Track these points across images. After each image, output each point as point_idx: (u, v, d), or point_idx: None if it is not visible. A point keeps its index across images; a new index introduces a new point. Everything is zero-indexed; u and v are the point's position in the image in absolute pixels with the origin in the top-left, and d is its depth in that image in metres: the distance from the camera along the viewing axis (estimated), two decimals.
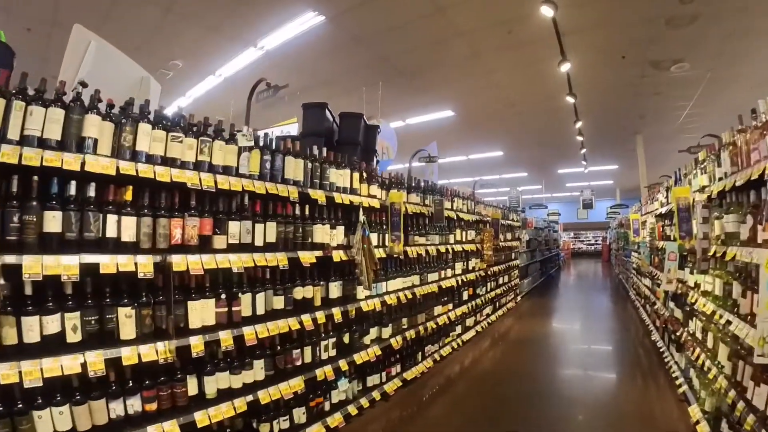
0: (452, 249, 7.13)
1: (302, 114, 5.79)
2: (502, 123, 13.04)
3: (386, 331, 5.32)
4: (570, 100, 9.80)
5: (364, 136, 6.16)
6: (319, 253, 4.33)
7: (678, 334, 5.30)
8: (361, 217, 4.59)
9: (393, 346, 5.34)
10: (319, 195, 4.33)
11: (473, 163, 17.54)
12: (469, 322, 7.97)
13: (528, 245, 14.18)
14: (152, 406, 2.90)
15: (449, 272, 7.05)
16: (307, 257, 4.15)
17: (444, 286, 6.71)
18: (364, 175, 5.12)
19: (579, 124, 10.77)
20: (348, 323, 4.79)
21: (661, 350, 6.47)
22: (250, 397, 3.47)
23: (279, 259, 3.92)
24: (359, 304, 4.83)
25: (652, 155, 15.60)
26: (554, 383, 5.76)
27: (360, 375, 5.01)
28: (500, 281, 9.93)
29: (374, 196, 5.19)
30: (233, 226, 3.62)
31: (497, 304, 9.72)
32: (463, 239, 7.73)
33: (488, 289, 9.02)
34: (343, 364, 4.57)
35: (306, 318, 4.14)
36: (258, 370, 3.64)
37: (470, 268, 7.99)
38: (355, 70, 9.72)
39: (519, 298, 11.85)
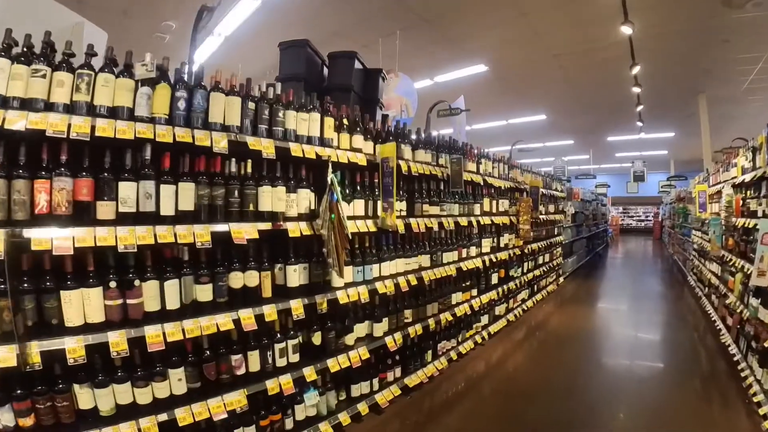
0: (478, 222, 5.64)
1: (279, 56, 4.50)
2: (544, 79, 11.11)
3: (379, 327, 4.00)
4: (625, 42, 7.86)
5: (362, 82, 4.77)
6: (266, 225, 3.03)
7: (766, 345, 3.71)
8: (329, 176, 3.21)
9: (389, 346, 3.99)
10: (264, 145, 3.02)
11: (513, 128, 15.59)
12: (499, 310, 6.49)
13: (573, 219, 12.33)
14: (27, 422, 2.25)
15: (473, 251, 5.58)
16: (244, 231, 2.85)
17: (466, 268, 5.26)
18: (345, 122, 3.71)
19: (636, 69, 8.74)
20: (320, 319, 3.50)
21: (734, 357, 4.81)
22: (163, 416, 2.55)
23: (197, 234, 2.64)
24: (335, 295, 3.50)
25: (715, 122, 13.17)
26: (600, 404, 4.22)
27: (342, 383, 3.75)
28: (539, 261, 8.32)
29: (358, 150, 3.78)
30: (126, 189, 2.51)
31: (535, 287, 8.14)
32: (493, 210, 6.20)
33: (524, 271, 7.46)
34: (310, 372, 3.33)
35: (246, 314, 2.88)
36: (175, 382, 2.66)
37: (502, 245, 6.46)
38: (369, 18, 8.20)
39: (561, 279, 10.17)
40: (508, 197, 6.69)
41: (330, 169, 3.26)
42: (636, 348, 5.95)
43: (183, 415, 2.58)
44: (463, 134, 7.65)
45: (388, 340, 4.01)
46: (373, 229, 3.85)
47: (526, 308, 7.51)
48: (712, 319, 6.60)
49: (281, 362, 3.22)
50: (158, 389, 2.58)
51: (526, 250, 7.35)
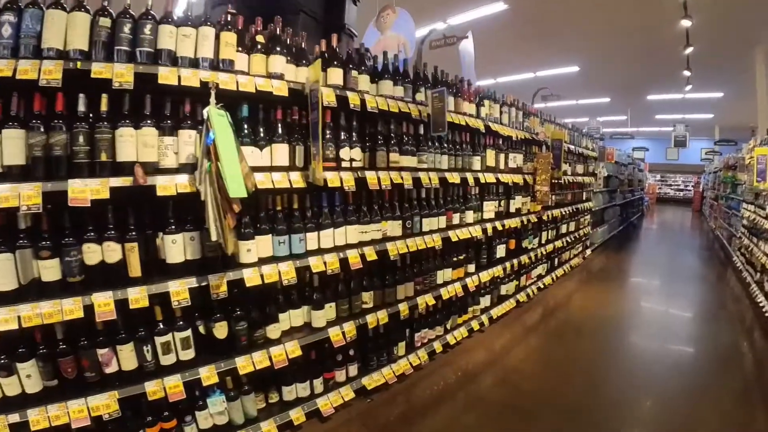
0: (477, 180, 4.33)
1: None
2: (577, 22, 9.31)
3: (320, 316, 2.85)
4: None
5: (321, 2, 3.47)
6: (123, 180, 1.91)
7: None
8: (206, 112, 2.06)
9: (334, 340, 2.87)
10: (117, 72, 1.97)
11: (542, 82, 13.76)
12: (507, 289, 5.24)
13: (606, 183, 10.71)
14: None
15: (470, 216, 4.31)
16: (88, 190, 1.76)
17: (457, 238, 4.01)
18: (259, 39, 2.49)
19: (687, 21, 6.96)
20: (226, 306, 2.41)
21: None
22: (15, 417, 1.99)
23: (24, 195, 1.59)
24: (240, 274, 2.38)
25: None
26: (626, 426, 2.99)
27: (271, 384, 2.69)
28: (562, 230, 6.92)
29: (277, 77, 2.54)
30: None
31: (556, 261, 6.80)
32: (501, 166, 4.86)
33: (542, 242, 6.12)
34: (208, 373, 2.32)
35: (102, 299, 1.90)
36: (25, 379, 2.07)
37: (512, 210, 5.15)
38: None
39: (589, 251, 8.73)
40: (522, 151, 5.29)
41: (213, 99, 2.08)
42: (669, 344, 4.60)
43: (36, 418, 2.00)
44: (473, 76, 6.20)
45: (333, 332, 2.88)
46: (301, 184, 2.64)
47: (542, 286, 6.20)
48: (763, 307, 5.17)
49: (167, 360, 2.31)
50: (6, 386, 2.02)
51: (545, 217, 5.98)
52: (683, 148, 20.12)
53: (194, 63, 2.27)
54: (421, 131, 3.62)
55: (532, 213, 5.61)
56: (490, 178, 4.53)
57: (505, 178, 4.84)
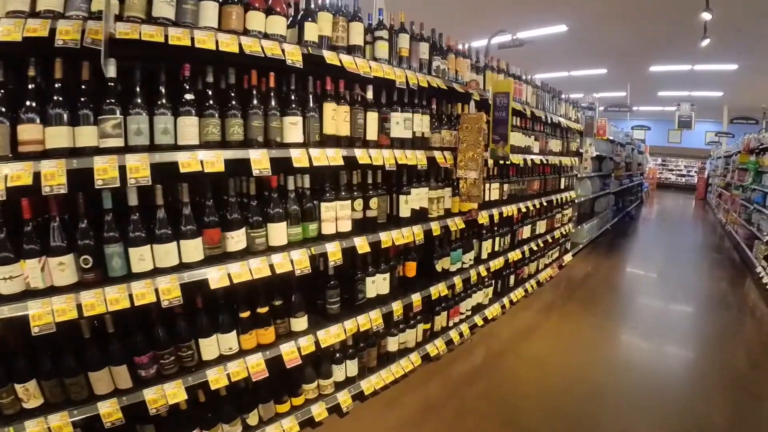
0: (305, 163, 1.97)
1: None
2: None
3: None
4: None
5: None
6: None
7: None
8: None
9: None
10: None
11: (524, 48, 11.11)
12: (401, 341, 2.97)
13: (598, 166, 8.27)
14: None
15: (278, 232, 2.02)
16: None
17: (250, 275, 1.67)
18: None
19: None
20: None
21: None
22: None
23: None
24: None
25: None
26: None
27: None
28: (523, 234, 4.53)
29: None
30: None
31: (511, 279, 4.43)
32: (370, 136, 2.50)
33: (480, 257, 3.76)
34: None
35: None
36: None
37: (404, 212, 2.78)
38: None
39: (569, 256, 6.32)
40: (426, 111, 2.90)
41: None
42: None
43: None
44: None
45: None
46: None
47: (481, 322, 3.86)
48: None
49: None
50: None
51: (483, 219, 3.58)
52: (688, 129, 17.37)
53: None
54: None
55: (458, 215, 3.23)
56: (334, 158, 2.17)
57: (379, 156, 2.47)
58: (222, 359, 2.14)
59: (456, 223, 3.22)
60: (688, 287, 5.60)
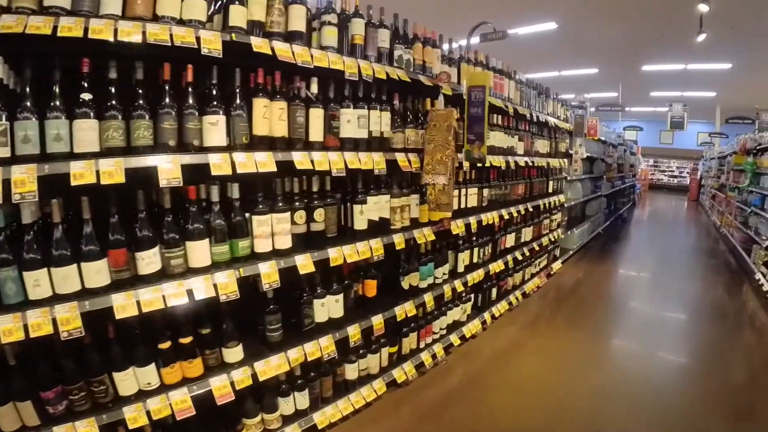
0: (230, 170, 1.62)
1: None
2: None
3: None
4: None
5: None
6: None
7: None
8: None
9: None
10: None
11: (515, 43, 10.76)
12: (363, 367, 2.60)
13: (590, 168, 7.94)
14: None
15: (198, 251, 1.74)
16: None
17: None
18: None
19: None
20: None
21: None
22: None
23: None
24: None
25: None
26: None
27: None
28: (507, 243, 4.14)
29: None
30: None
31: (493, 293, 4.04)
32: (314, 136, 2.12)
33: (456, 270, 3.37)
34: None
35: None
36: None
37: (360, 224, 2.43)
38: None
39: (558, 263, 5.94)
40: (385, 107, 2.52)
41: None
42: None
43: None
44: None
45: None
46: None
47: (458, 341, 3.47)
48: None
49: None
50: None
51: (457, 229, 3.19)
52: (680, 130, 17.14)
53: None
54: None
55: (428, 225, 2.84)
56: (265, 163, 1.82)
57: (325, 160, 2.08)
58: (141, 395, 1.79)
59: (425, 235, 2.82)
60: (683, 296, 5.24)
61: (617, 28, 9.69)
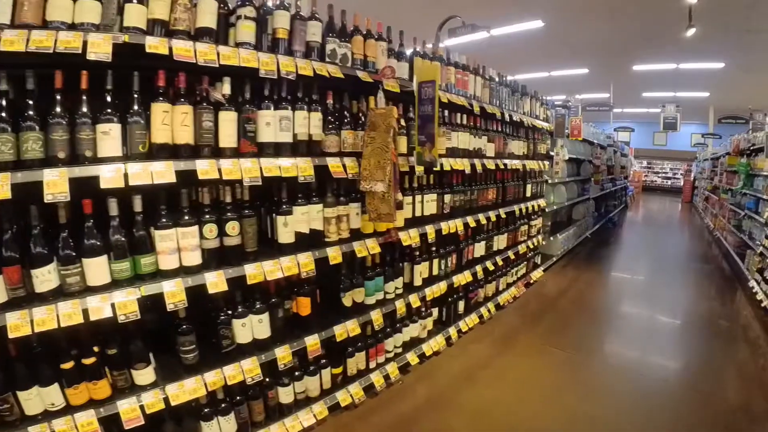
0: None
1: None
2: None
3: None
4: None
5: None
6: None
7: None
8: None
9: None
10: None
11: (500, 43, 10.51)
12: (298, 391, 2.29)
13: (577, 170, 7.68)
14: None
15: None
16: None
17: None
18: None
19: None
20: None
21: None
22: None
23: None
24: None
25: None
26: None
27: None
28: (475, 253, 3.83)
29: None
30: None
31: (459, 306, 3.73)
32: (225, 142, 1.87)
33: (413, 283, 3.06)
34: None
35: None
36: None
37: (286, 237, 2.22)
38: None
39: (539, 271, 5.65)
40: (315, 108, 2.25)
41: None
42: None
43: None
44: None
45: None
46: None
47: (414, 360, 3.18)
48: None
49: None
50: None
51: (410, 239, 2.89)
52: (673, 131, 16.94)
53: None
54: None
55: (372, 236, 2.54)
56: (162, 173, 1.64)
57: (236, 168, 1.83)
58: (47, 415, 1.71)
59: (368, 248, 2.53)
60: (673, 307, 4.93)
61: (605, 27, 9.46)
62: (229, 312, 2.06)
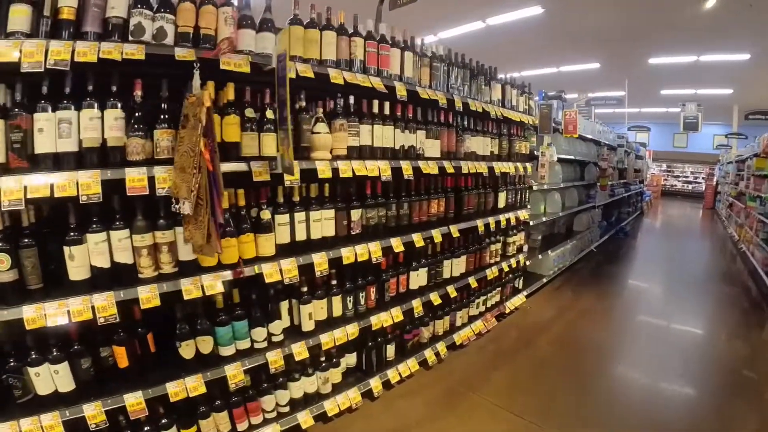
0: None
1: None
2: None
3: None
4: None
5: None
6: None
7: None
8: None
9: None
10: None
11: (496, 33, 9.62)
12: None
13: (579, 174, 6.82)
14: None
15: None
16: None
17: None
18: None
19: None
20: None
21: None
22: None
23: None
24: None
25: None
26: None
27: None
28: (396, 290, 3.02)
29: None
30: None
31: (375, 356, 2.93)
32: None
33: (264, 340, 2.30)
34: None
35: None
36: None
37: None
38: None
39: (522, 296, 4.78)
40: (117, 104, 1.57)
41: None
42: None
43: None
44: None
45: None
46: None
47: (311, 421, 2.46)
48: None
49: None
50: None
51: (290, 274, 2.10)
52: (694, 131, 15.78)
53: None
54: None
55: (218, 269, 1.79)
56: None
57: None
58: None
59: (204, 286, 1.79)
60: (684, 351, 3.90)
61: (611, 13, 8.49)
62: (20, 359, 1.60)
